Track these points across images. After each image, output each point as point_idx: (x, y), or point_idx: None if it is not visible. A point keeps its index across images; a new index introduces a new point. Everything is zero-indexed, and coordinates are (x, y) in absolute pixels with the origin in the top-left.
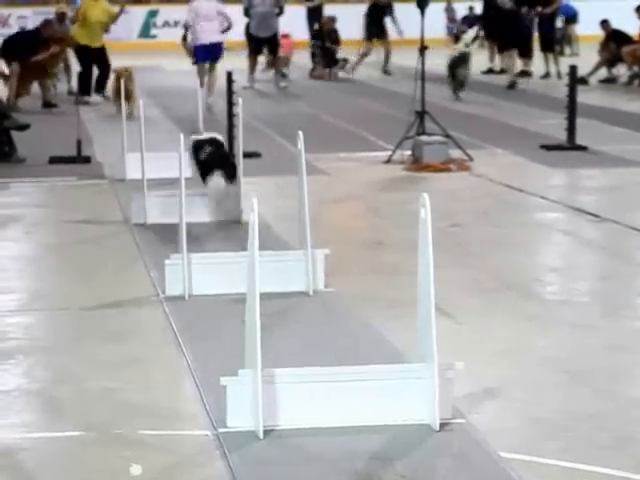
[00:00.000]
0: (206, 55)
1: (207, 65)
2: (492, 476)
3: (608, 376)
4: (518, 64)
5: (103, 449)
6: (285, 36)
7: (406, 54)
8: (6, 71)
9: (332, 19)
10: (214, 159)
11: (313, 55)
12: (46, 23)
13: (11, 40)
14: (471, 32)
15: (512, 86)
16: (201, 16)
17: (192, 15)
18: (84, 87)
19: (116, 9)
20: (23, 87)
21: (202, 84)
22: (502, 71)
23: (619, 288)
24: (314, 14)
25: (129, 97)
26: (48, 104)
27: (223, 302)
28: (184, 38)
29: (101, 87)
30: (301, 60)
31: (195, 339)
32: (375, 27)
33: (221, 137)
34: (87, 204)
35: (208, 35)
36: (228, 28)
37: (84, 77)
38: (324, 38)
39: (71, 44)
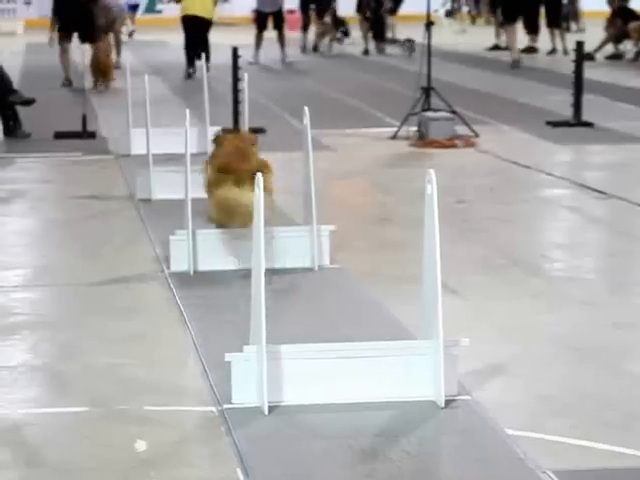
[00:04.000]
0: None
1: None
2: (497, 453)
3: (615, 353)
4: (520, 41)
5: (108, 425)
6: (291, 12)
7: (409, 29)
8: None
9: None
10: None
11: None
12: None
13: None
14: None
15: (516, 65)
16: None
17: None
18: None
19: None
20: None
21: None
22: (508, 48)
23: (626, 265)
24: None
25: (107, 72)
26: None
27: (228, 278)
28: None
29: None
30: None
31: (200, 315)
32: None
33: None
34: (92, 179)
35: None
36: None
37: (187, 47)
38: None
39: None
